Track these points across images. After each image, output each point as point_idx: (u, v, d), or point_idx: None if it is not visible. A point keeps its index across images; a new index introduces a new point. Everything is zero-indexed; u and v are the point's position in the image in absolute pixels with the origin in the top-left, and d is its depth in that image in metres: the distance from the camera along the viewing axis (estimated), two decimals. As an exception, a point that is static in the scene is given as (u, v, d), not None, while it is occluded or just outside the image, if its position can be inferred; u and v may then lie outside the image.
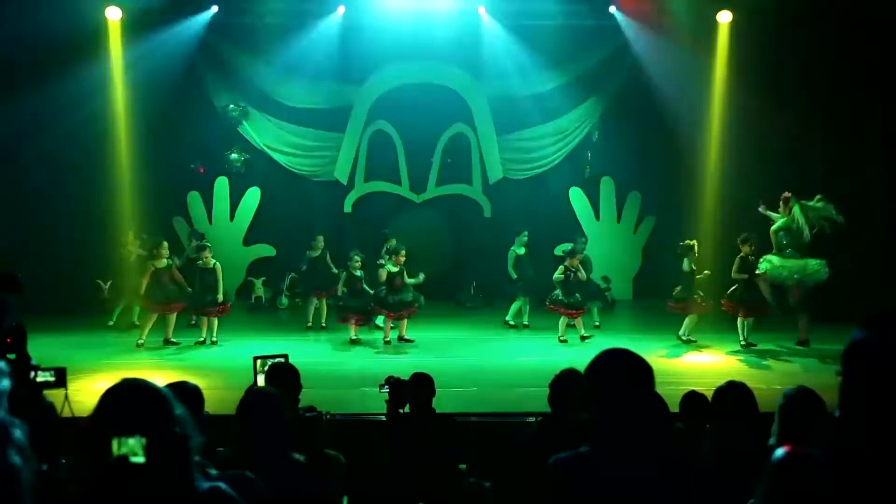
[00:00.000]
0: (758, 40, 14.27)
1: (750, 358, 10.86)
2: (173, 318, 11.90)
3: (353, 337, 12.00)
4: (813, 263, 11.61)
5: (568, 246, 14.13)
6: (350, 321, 11.99)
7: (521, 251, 13.46)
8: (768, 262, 11.66)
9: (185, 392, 3.96)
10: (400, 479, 5.19)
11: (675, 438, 4.37)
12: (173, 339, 11.82)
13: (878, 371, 1.93)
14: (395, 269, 11.96)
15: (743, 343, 11.39)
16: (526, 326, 13.21)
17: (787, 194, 11.93)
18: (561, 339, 11.99)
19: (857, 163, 13.52)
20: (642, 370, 2.55)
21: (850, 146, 13.53)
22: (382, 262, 12.20)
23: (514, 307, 13.32)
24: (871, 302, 11.75)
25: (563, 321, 12.06)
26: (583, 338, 11.92)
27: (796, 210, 11.69)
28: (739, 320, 11.49)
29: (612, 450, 2.49)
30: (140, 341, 11.63)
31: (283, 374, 5.18)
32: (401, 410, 5.80)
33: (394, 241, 12.62)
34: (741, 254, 11.58)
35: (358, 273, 12.07)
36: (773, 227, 11.91)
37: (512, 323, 13.27)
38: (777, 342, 11.64)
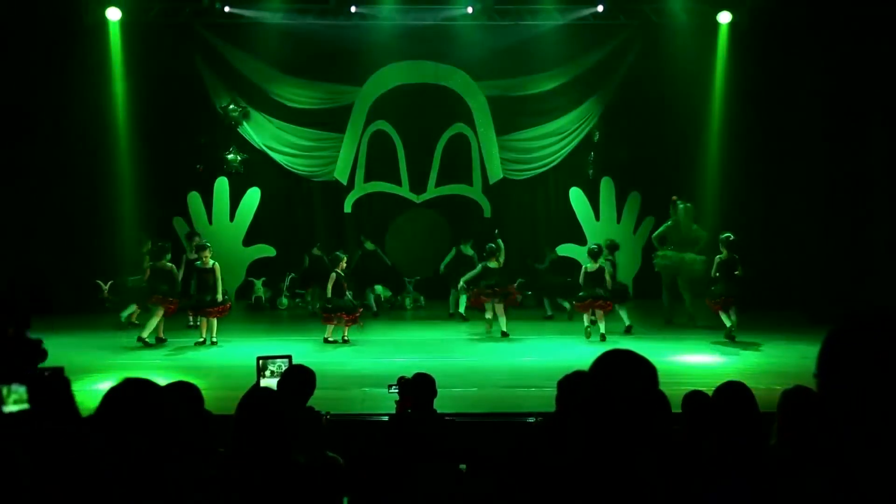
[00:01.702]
0: (758, 40, 14.29)
1: (749, 358, 10.86)
2: (161, 315, 11.87)
3: (329, 337, 11.89)
4: (690, 257, 13.24)
5: (570, 246, 14.41)
6: (334, 321, 11.91)
7: (471, 252, 14.27)
8: (659, 257, 13.65)
9: (185, 391, 3.96)
10: (400, 480, 5.18)
11: (673, 439, 4.36)
12: (162, 336, 11.84)
13: (856, 374, 1.93)
14: (495, 266, 12.63)
15: (727, 334, 11.80)
16: (460, 315, 14.03)
17: (674, 198, 13.75)
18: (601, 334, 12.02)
19: (858, 162, 13.51)
20: (646, 370, 2.55)
21: (852, 146, 13.52)
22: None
23: (462, 299, 13.94)
24: (875, 302, 11.78)
25: (601, 318, 12.17)
26: (602, 336, 12.01)
27: (681, 210, 13.58)
28: (723, 315, 11.94)
29: (611, 450, 2.49)
30: (146, 336, 11.60)
31: (300, 377, 5.15)
32: (409, 411, 5.79)
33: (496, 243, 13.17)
34: (720, 255, 12.06)
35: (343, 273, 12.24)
36: (656, 233, 13.95)
37: (462, 313, 13.95)
38: (777, 342, 11.65)
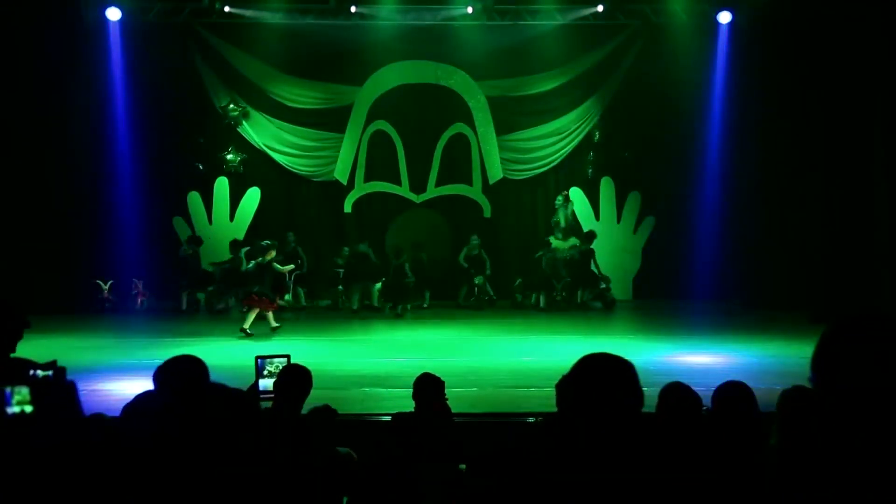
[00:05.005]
0: (758, 40, 14.29)
1: (749, 358, 10.85)
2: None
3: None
4: (556, 244, 15.41)
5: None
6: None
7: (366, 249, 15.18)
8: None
9: (186, 364, 3.93)
10: (401, 480, 5.18)
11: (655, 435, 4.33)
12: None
13: (849, 374, 1.93)
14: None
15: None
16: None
17: (565, 192, 15.92)
18: None
19: (859, 162, 13.51)
20: (625, 373, 2.55)
21: (852, 146, 13.52)
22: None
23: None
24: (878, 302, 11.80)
25: None
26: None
27: (569, 205, 15.95)
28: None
29: (594, 447, 2.49)
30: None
31: (296, 376, 5.15)
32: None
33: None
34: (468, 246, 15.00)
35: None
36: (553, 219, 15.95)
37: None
38: (777, 342, 11.64)
